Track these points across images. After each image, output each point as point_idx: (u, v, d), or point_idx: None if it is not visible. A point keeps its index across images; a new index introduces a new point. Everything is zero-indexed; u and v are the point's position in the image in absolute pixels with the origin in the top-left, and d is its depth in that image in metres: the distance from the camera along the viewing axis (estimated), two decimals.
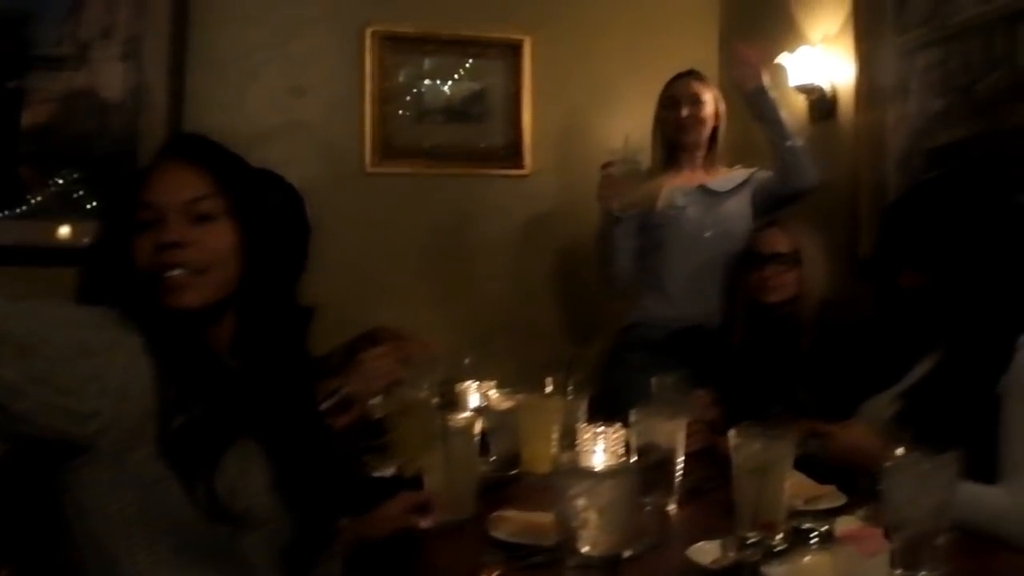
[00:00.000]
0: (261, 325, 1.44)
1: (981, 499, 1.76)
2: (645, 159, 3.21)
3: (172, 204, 1.37)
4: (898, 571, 1.33)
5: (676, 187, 3.21)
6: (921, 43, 3.01)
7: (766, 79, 3.06)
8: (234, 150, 1.48)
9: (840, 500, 1.78)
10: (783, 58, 3.52)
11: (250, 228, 1.42)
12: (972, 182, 2.13)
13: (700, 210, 3.19)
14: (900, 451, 1.41)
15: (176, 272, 1.35)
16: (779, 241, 2.76)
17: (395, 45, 3.89)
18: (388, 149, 3.88)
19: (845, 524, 1.57)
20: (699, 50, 4.07)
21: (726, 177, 3.24)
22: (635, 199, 3.11)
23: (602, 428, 1.94)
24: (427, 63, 3.97)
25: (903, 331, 2.18)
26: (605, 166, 3.11)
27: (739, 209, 3.17)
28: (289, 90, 3.75)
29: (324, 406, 1.97)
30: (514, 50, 4.01)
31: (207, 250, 1.37)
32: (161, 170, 1.41)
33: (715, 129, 3.26)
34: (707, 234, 3.16)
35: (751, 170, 3.26)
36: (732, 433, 1.63)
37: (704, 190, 3.21)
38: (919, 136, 3.02)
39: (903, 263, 2.05)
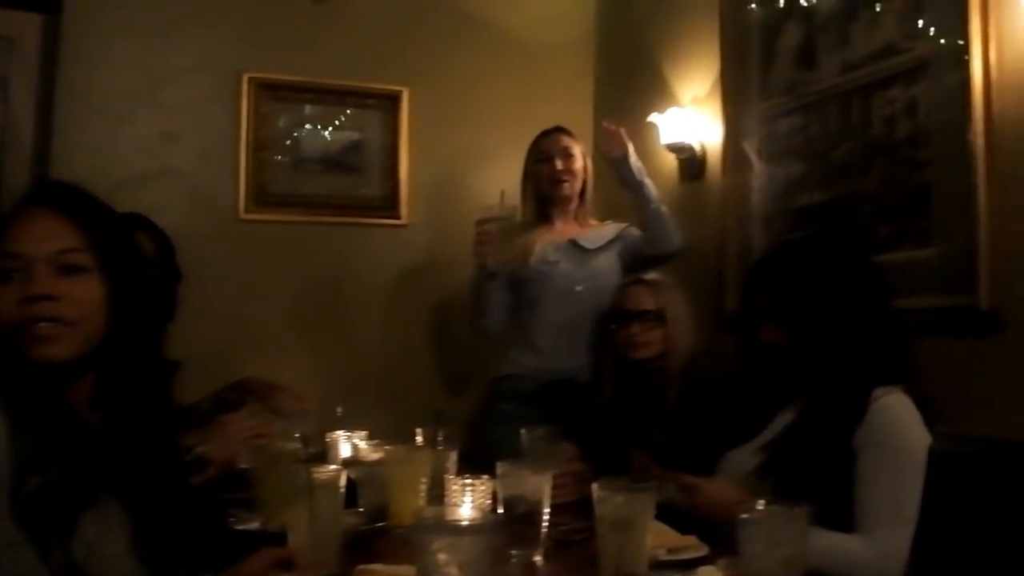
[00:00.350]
0: (125, 379, 1.41)
1: (839, 548, 1.83)
2: (520, 215, 3.24)
3: (40, 255, 1.34)
4: None
5: (548, 242, 3.25)
6: (784, 109, 3.15)
7: (630, 148, 3.15)
8: (103, 197, 1.45)
9: (702, 550, 1.81)
10: (655, 117, 3.63)
11: (120, 283, 1.39)
12: (830, 243, 2.22)
13: (572, 265, 3.24)
14: (757, 504, 1.45)
15: (44, 324, 1.31)
16: (644, 298, 2.81)
17: (273, 93, 3.86)
18: (263, 196, 3.84)
19: (705, 575, 1.60)
20: (573, 106, 4.17)
21: (597, 232, 3.30)
22: (509, 255, 3.14)
23: (470, 480, 1.95)
24: (305, 111, 3.96)
25: (765, 385, 2.25)
26: (480, 222, 3.12)
27: (609, 265, 3.23)
28: (161, 135, 3.68)
29: None
30: (392, 101, 4.03)
31: (77, 304, 1.35)
32: (26, 218, 1.36)
33: (584, 183, 3.33)
34: (578, 288, 3.20)
35: (621, 226, 3.33)
36: (595, 486, 1.65)
37: (575, 245, 3.26)
38: (781, 198, 3.15)
39: (764, 319, 2.12)
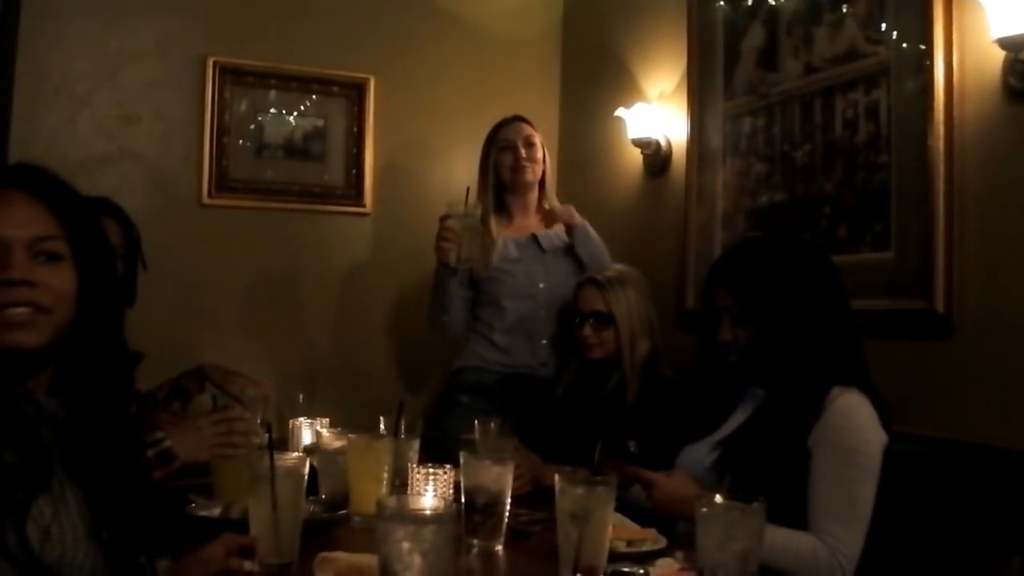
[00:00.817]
0: (87, 367, 1.40)
1: (791, 545, 1.86)
2: (483, 212, 3.21)
3: (19, 239, 1.32)
4: None
5: (509, 238, 3.25)
6: (747, 109, 3.18)
7: (579, 219, 3.19)
8: (69, 182, 1.43)
9: (661, 543, 1.83)
10: (621, 112, 3.65)
11: (90, 274, 1.38)
12: (790, 243, 2.25)
13: (533, 262, 3.24)
14: (714, 499, 1.47)
15: (20, 310, 1.30)
16: (594, 300, 2.83)
17: (237, 78, 3.83)
18: (225, 182, 3.81)
19: (663, 567, 1.63)
20: (540, 98, 4.18)
21: (556, 233, 3.28)
22: (472, 252, 3.12)
23: (433, 470, 1.96)
24: (269, 97, 3.93)
25: (722, 382, 2.28)
26: (444, 218, 3.11)
27: (568, 265, 3.22)
28: (122, 117, 3.64)
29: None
30: (358, 89, 4.01)
31: (53, 291, 1.33)
32: (3, 201, 1.35)
33: (543, 173, 3.33)
34: (541, 285, 3.20)
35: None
36: (556, 478, 1.67)
37: (536, 242, 3.26)
38: (743, 196, 3.18)
39: (722, 317, 2.15)
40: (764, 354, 2.09)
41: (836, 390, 1.98)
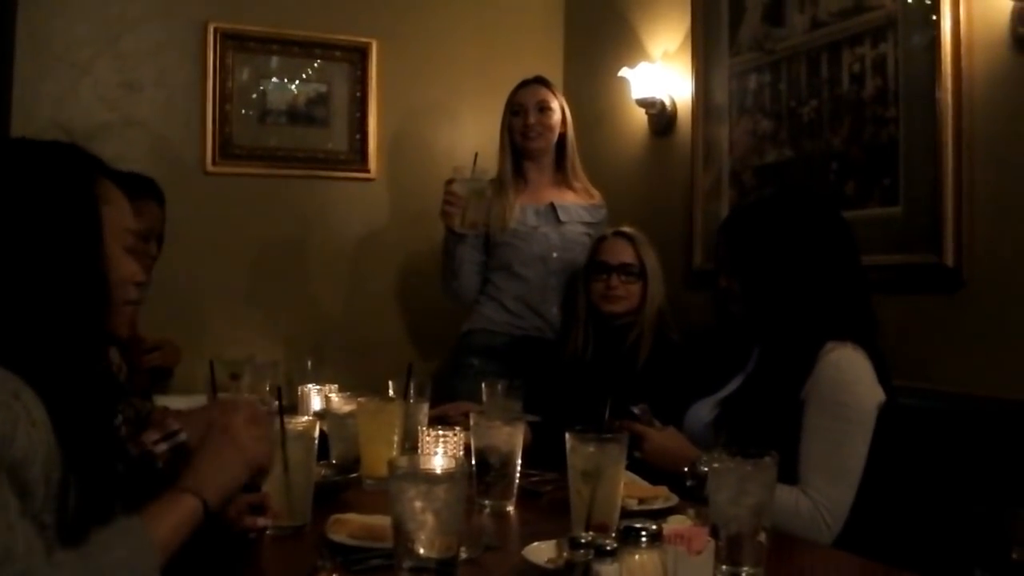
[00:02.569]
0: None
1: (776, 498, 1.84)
2: (491, 178, 3.18)
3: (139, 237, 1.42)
4: (723, 567, 1.39)
5: (528, 205, 3.21)
6: (753, 65, 3.16)
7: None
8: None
9: (672, 500, 1.84)
10: (625, 72, 3.62)
11: None
12: (793, 200, 2.24)
13: (550, 230, 3.21)
14: (721, 454, 1.47)
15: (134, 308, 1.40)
16: (625, 251, 2.82)
17: (239, 44, 3.81)
18: (229, 149, 3.79)
19: (674, 524, 1.63)
20: (543, 60, 4.14)
21: (575, 206, 3.26)
22: (479, 218, 3.09)
23: (443, 432, 1.97)
24: (272, 63, 3.90)
25: (730, 339, 2.29)
26: (448, 183, 3.07)
27: (583, 237, 3.19)
28: (124, 85, 3.62)
29: (159, 448, 1.94)
30: (361, 53, 3.98)
31: None
32: (122, 197, 1.38)
33: (563, 137, 3.28)
34: (555, 254, 3.18)
35: (598, 211, 3.31)
36: (567, 436, 1.67)
37: (554, 211, 3.22)
38: (749, 154, 3.16)
39: (727, 270, 2.16)
40: (752, 305, 2.10)
41: (830, 344, 1.98)
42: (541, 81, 3.31)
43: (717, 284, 2.21)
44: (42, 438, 1.15)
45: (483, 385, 2.49)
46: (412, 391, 2.27)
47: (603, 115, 3.91)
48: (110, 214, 1.31)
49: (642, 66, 3.60)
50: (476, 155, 3.08)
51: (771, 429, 1.93)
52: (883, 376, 1.99)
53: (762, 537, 1.40)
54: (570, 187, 3.29)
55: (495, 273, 3.24)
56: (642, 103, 3.63)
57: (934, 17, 2.47)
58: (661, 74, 3.58)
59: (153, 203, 2.67)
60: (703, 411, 2.21)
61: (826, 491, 1.89)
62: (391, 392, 2.33)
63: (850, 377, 1.95)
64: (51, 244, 1.24)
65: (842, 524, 1.88)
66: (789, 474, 1.90)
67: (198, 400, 2.66)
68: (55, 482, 1.17)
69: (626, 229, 2.88)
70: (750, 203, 2.37)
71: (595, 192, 3.34)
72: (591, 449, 1.64)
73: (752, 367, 2.18)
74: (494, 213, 3.16)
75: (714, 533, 1.40)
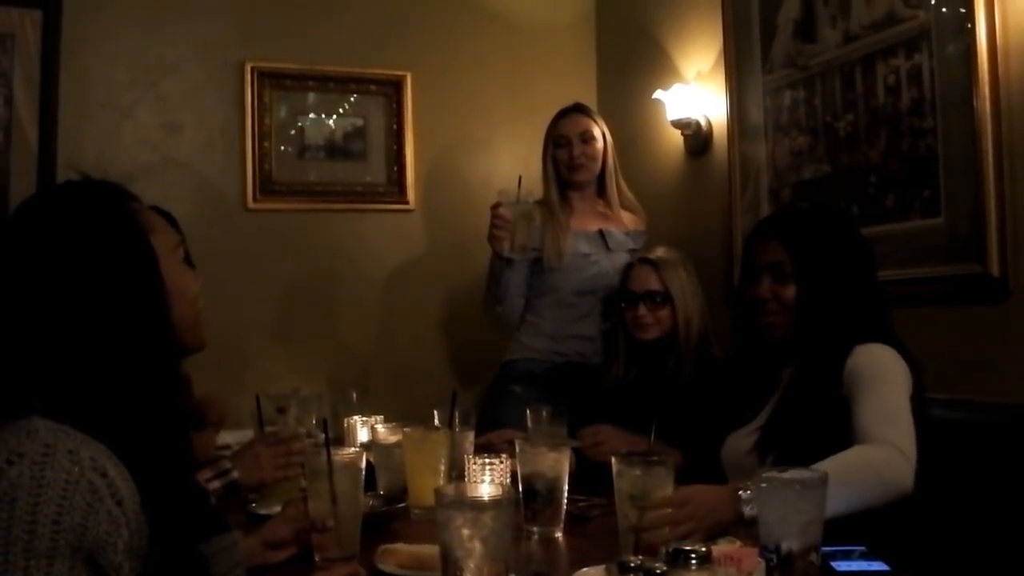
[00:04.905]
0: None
1: (853, 460, 1.77)
2: (536, 198, 3.16)
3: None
4: None
5: (578, 233, 3.19)
6: (786, 82, 3.15)
7: None
8: None
9: None
10: (659, 94, 3.63)
11: None
12: (834, 212, 2.23)
13: (601, 257, 3.19)
14: (769, 473, 1.45)
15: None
16: (649, 279, 2.79)
17: (275, 82, 3.87)
18: (269, 185, 3.85)
19: (724, 545, 1.62)
20: (577, 84, 4.16)
21: (622, 230, 3.25)
22: (526, 240, 3.05)
23: (489, 459, 1.97)
24: (308, 99, 3.96)
25: (753, 362, 2.26)
26: (495, 207, 3.03)
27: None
28: (164, 127, 3.69)
29: (212, 486, 1.98)
30: (395, 86, 4.03)
31: None
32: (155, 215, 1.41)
33: (605, 164, 3.25)
34: (605, 282, 3.15)
35: (640, 233, 3.30)
36: (613, 460, 1.67)
37: (603, 237, 3.21)
38: (787, 170, 3.15)
39: (763, 274, 2.13)
40: (806, 314, 2.07)
41: (857, 348, 1.98)
42: (581, 109, 3.29)
43: (751, 295, 2.15)
44: (128, 515, 1.14)
45: (528, 411, 2.48)
46: (457, 419, 2.27)
47: (638, 137, 3.91)
48: (158, 242, 1.31)
49: (676, 87, 3.61)
50: (520, 178, 3.04)
51: (820, 441, 1.91)
52: (913, 371, 1.97)
53: (813, 557, 1.39)
54: (614, 212, 3.27)
55: (539, 300, 3.23)
56: (677, 124, 3.63)
57: (968, 25, 2.45)
58: (695, 95, 3.59)
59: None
60: (740, 440, 2.18)
61: (893, 433, 1.82)
62: (436, 421, 2.33)
63: (883, 360, 1.95)
64: (120, 291, 1.23)
65: (915, 462, 1.81)
66: None
67: (245, 434, 2.69)
68: (140, 555, 1.17)
69: (651, 255, 2.85)
70: (804, 209, 2.33)
71: (640, 209, 3.33)
72: (637, 472, 1.63)
73: (786, 385, 2.15)
74: (548, 241, 3.15)
75: (763, 554, 1.39)
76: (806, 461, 1.47)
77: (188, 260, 1.48)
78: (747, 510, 1.68)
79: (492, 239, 3.05)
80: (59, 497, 1.09)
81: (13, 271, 1.23)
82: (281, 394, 2.78)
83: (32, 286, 1.21)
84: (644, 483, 1.62)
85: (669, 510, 1.65)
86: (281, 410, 2.75)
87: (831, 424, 1.93)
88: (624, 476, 1.65)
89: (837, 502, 1.52)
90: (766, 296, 2.11)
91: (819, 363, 2.03)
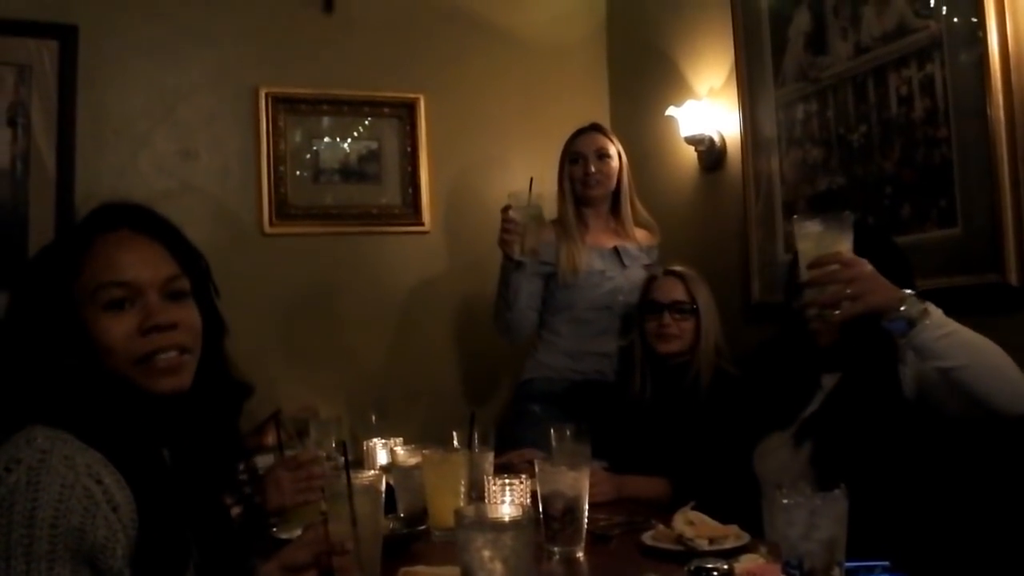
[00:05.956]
0: (205, 407, 1.39)
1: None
2: (546, 205, 3.17)
3: (151, 282, 1.30)
4: None
5: (593, 249, 3.22)
6: (799, 95, 3.15)
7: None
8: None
9: (743, 539, 1.81)
10: (672, 111, 3.63)
11: (207, 308, 1.39)
12: (864, 224, 2.24)
13: (617, 273, 3.21)
14: (790, 489, 1.45)
15: (171, 354, 1.30)
16: (676, 289, 2.80)
17: (290, 107, 3.90)
18: (285, 209, 3.87)
19: (746, 562, 1.61)
20: (590, 102, 4.19)
21: (636, 247, 3.27)
22: (535, 243, 3.07)
23: (509, 480, 1.97)
24: (323, 123, 3.98)
25: (792, 370, 2.26)
26: (505, 210, 3.05)
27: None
28: (180, 153, 3.72)
29: (234, 511, 1.98)
30: (409, 108, 4.05)
31: (191, 330, 1.34)
32: (123, 244, 1.32)
33: (620, 182, 3.28)
34: (620, 298, 3.17)
35: (652, 245, 3.32)
36: (795, 221, 1.79)
37: (618, 254, 3.23)
38: (802, 183, 3.14)
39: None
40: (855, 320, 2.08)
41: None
42: (598, 128, 3.33)
43: (798, 304, 2.16)
44: (124, 522, 1.16)
45: (551, 431, 2.46)
46: (476, 440, 2.27)
47: (652, 153, 3.91)
48: (83, 284, 1.28)
49: (689, 104, 3.61)
50: (531, 180, 3.06)
51: (869, 443, 1.93)
52: None
53: (836, 573, 1.38)
54: (628, 230, 3.29)
55: (555, 317, 3.24)
56: (691, 140, 3.64)
57: (980, 34, 2.44)
58: (708, 111, 3.59)
59: None
60: (778, 442, 2.18)
61: None
62: (455, 442, 2.33)
63: None
64: (45, 333, 1.26)
65: None
66: (888, 490, 1.88)
67: (265, 459, 2.70)
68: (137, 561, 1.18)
69: (677, 267, 2.86)
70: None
71: (654, 226, 3.35)
72: (817, 228, 1.82)
73: (833, 389, 2.16)
74: (563, 257, 3.17)
75: (785, 570, 1.38)
76: (849, 460, 1.47)
77: (205, 281, 1.45)
78: (904, 308, 1.77)
79: (502, 243, 3.07)
80: (55, 501, 1.11)
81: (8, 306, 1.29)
82: (301, 417, 2.79)
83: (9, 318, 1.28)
84: (819, 240, 1.68)
85: (836, 266, 1.73)
86: (301, 433, 2.76)
87: (882, 427, 1.96)
88: (802, 235, 1.73)
89: (969, 366, 1.71)
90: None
91: (871, 366, 2.05)
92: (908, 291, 1.80)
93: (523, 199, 3.03)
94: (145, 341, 1.28)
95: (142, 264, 1.31)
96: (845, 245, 1.79)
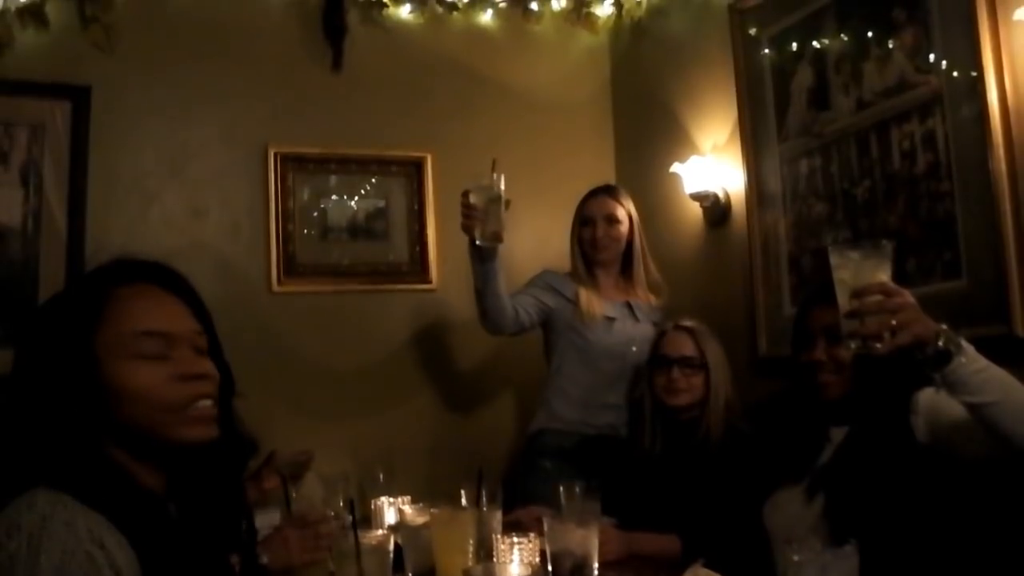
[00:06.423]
0: (211, 461, 1.40)
1: None
2: (503, 190, 3.03)
3: (184, 334, 1.34)
4: None
5: (605, 299, 3.25)
6: (802, 150, 3.17)
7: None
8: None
9: None
10: (677, 167, 3.66)
11: (220, 364, 1.41)
12: None
13: (628, 325, 3.23)
14: (801, 545, 1.45)
15: (208, 402, 1.33)
16: (685, 344, 2.80)
17: (298, 165, 3.93)
18: (293, 267, 3.89)
19: None
20: (595, 159, 4.23)
21: (647, 306, 3.30)
22: (497, 227, 2.98)
23: (517, 538, 1.96)
24: (330, 181, 4.01)
25: (806, 425, 2.26)
26: (465, 194, 2.99)
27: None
28: (189, 211, 3.75)
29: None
30: (416, 167, 4.08)
31: (216, 383, 1.36)
32: (151, 299, 1.36)
33: (631, 243, 3.32)
34: (634, 348, 3.18)
35: (658, 311, 3.33)
36: (830, 251, 1.78)
37: (630, 308, 3.26)
38: (806, 237, 3.16)
39: (818, 338, 2.17)
40: (863, 372, 2.11)
41: (918, 395, 2.03)
42: (608, 191, 3.37)
43: (805, 359, 2.20)
44: None
45: (560, 488, 2.46)
46: (484, 498, 2.26)
47: (658, 209, 3.93)
48: (109, 335, 1.30)
49: (693, 160, 3.64)
50: (494, 161, 3.01)
51: (882, 492, 1.93)
52: None
53: None
54: (638, 290, 3.32)
55: (568, 363, 3.25)
56: (696, 196, 3.65)
57: (980, 88, 2.47)
58: (712, 167, 3.61)
59: None
60: (789, 495, 2.18)
61: None
62: (463, 500, 2.32)
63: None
64: (56, 393, 1.25)
65: None
66: (902, 541, 1.88)
67: (272, 516, 2.69)
68: None
69: (686, 322, 2.86)
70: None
71: (664, 289, 3.37)
72: (854, 257, 1.78)
73: (843, 441, 2.15)
74: (583, 298, 3.20)
75: None
76: (863, 510, 1.47)
77: (214, 348, 1.46)
78: (941, 342, 1.76)
79: (464, 228, 3.01)
80: (56, 568, 1.10)
81: (13, 364, 1.29)
82: (297, 461, 2.78)
83: (15, 376, 1.28)
84: (858, 268, 1.68)
85: (880, 297, 1.71)
86: (295, 477, 2.76)
87: (896, 477, 1.96)
88: (841, 264, 1.73)
89: (1001, 402, 1.72)
90: (821, 358, 2.15)
91: (880, 417, 2.06)
92: (943, 325, 1.79)
93: (483, 182, 2.97)
94: (184, 388, 1.30)
95: (173, 316, 1.35)
96: (886, 274, 1.77)
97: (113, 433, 1.27)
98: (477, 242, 2.99)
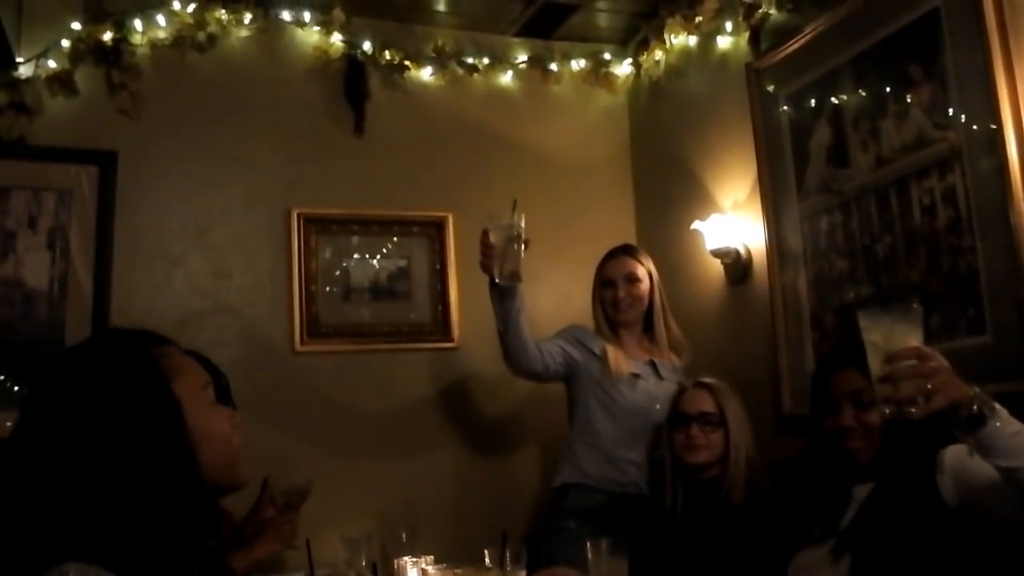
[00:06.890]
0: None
1: None
2: (522, 227, 3.05)
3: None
4: None
5: (631, 357, 3.25)
6: (822, 207, 3.18)
7: None
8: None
9: None
10: (698, 225, 3.67)
11: None
12: None
13: (652, 383, 3.23)
14: None
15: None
16: (704, 401, 2.79)
17: (321, 227, 3.97)
18: (316, 328, 3.90)
19: None
20: (615, 218, 4.25)
21: (671, 366, 3.30)
22: (515, 266, 2.98)
23: None
24: (353, 242, 4.05)
25: (833, 476, 2.24)
26: (485, 233, 3.00)
27: None
28: (213, 274, 3.79)
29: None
30: (437, 227, 4.12)
31: None
32: (186, 357, 1.43)
33: (652, 302, 3.32)
34: (658, 406, 3.15)
35: (680, 369, 3.33)
36: (860, 315, 1.77)
37: (654, 366, 3.26)
38: (829, 294, 3.15)
39: (843, 402, 2.15)
40: (895, 434, 2.09)
41: (943, 453, 2.01)
42: (627, 251, 3.39)
43: (832, 425, 2.18)
44: None
45: (588, 545, 2.43)
46: (508, 559, 2.24)
47: (679, 267, 3.94)
48: (182, 386, 1.33)
49: (713, 217, 3.65)
50: (515, 201, 3.02)
51: (913, 550, 1.93)
52: None
53: None
54: (662, 350, 3.32)
55: (594, 418, 3.23)
56: (716, 254, 3.66)
57: (999, 142, 2.47)
58: (733, 224, 3.62)
59: None
60: (810, 560, 2.15)
61: None
62: (487, 561, 2.31)
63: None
64: (141, 439, 1.24)
65: None
66: None
67: None
68: None
69: (706, 379, 2.86)
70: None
71: (687, 348, 3.37)
72: (886, 320, 1.77)
73: (867, 499, 2.13)
74: (611, 353, 3.20)
75: None
76: (890, 573, 1.45)
77: (225, 397, 1.51)
78: (976, 406, 1.73)
79: (482, 267, 3.01)
80: None
81: (45, 425, 1.26)
82: (293, 489, 2.78)
83: (59, 437, 1.23)
84: (890, 332, 1.67)
85: (914, 361, 1.69)
86: (290, 505, 2.74)
87: (924, 537, 1.94)
88: (872, 327, 1.71)
89: None
90: (851, 424, 2.13)
91: (906, 476, 2.05)
92: (976, 388, 1.77)
93: (502, 221, 2.98)
94: (238, 432, 1.40)
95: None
96: (918, 338, 1.76)
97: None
98: (496, 280, 2.99)
